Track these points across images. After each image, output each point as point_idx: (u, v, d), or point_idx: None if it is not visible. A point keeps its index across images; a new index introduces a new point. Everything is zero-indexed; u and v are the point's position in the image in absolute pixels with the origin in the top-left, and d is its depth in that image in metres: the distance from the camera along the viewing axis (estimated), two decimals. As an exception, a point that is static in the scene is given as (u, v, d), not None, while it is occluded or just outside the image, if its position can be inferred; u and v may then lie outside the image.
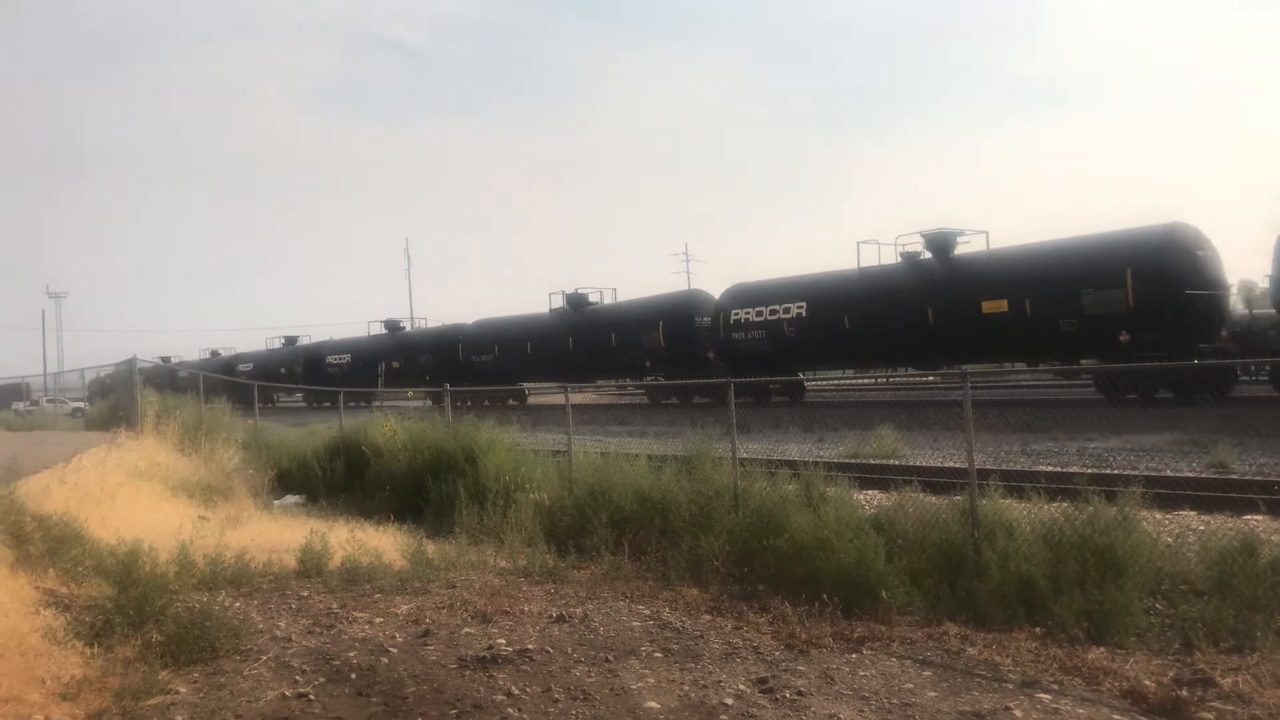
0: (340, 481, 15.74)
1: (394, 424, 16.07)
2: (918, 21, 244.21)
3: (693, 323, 34.71)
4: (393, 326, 52.82)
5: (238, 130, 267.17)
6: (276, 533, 11.10)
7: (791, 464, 10.68)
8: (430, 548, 10.05)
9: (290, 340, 62.86)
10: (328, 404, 40.14)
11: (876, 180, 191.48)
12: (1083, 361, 24.95)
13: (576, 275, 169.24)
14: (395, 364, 47.84)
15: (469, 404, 36.64)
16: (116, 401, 22.70)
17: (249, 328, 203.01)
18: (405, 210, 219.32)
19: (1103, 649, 6.19)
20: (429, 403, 33.05)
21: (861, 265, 29.31)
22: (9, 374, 52.04)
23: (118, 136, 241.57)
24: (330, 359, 54.35)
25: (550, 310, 41.07)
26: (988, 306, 24.89)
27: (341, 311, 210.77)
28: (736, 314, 32.11)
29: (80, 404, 37.95)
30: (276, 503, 14.80)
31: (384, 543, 10.30)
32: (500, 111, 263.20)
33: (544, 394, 40.75)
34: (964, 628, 6.77)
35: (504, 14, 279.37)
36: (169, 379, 35.66)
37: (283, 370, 56.86)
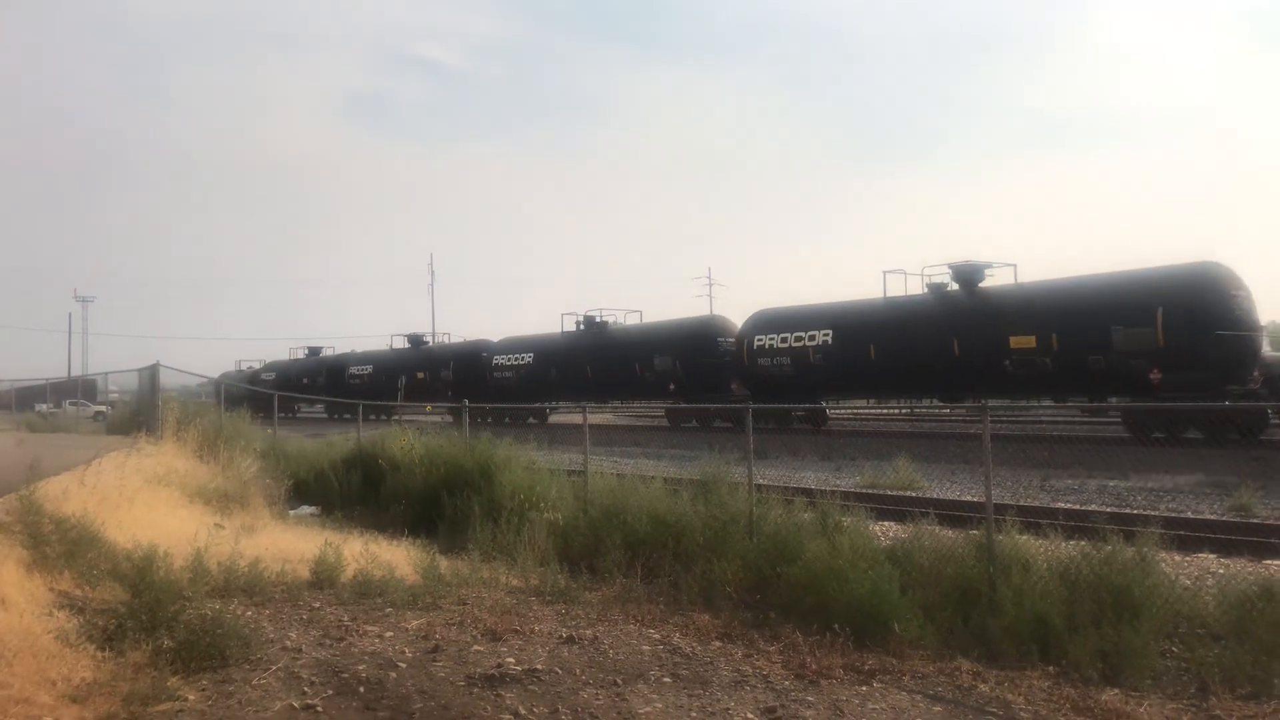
0: (356, 494, 15.76)
1: (411, 438, 16.10)
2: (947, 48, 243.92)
3: (714, 348, 34.77)
4: (415, 341, 53.04)
5: (268, 141, 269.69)
6: (291, 543, 11.11)
7: (808, 492, 10.63)
8: (443, 563, 10.04)
9: (313, 351, 63.26)
10: (348, 416, 40.32)
11: (902, 208, 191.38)
12: (1111, 399, 24.54)
13: (599, 296, 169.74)
14: (420, 375, 48.04)
15: (489, 420, 36.67)
16: (138, 406, 22.85)
17: (271, 337, 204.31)
18: (431, 226, 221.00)
19: (1117, 691, 6.11)
20: (448, 418, 33.14)
21: (888, 295, 29.02)
22: (33, 376, 52.48)
23: (149, 144, 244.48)
24: (353, 370, 54.67)
25: (573, 331, 41.19)
26: (1015, 341, 24.69)
27: (364, 324, 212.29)
28: (760, 340, 31.94)
29: (102, 408, 38.18)
30: (292, 513, 14.85)
31: (397, 556, 10.30)
32: (529, 133, 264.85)
33: (563, 413, 40.78)
34: (976, 664, 6.71)
35: (535, 37, 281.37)
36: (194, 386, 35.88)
37: (305, 380, 57.28)
